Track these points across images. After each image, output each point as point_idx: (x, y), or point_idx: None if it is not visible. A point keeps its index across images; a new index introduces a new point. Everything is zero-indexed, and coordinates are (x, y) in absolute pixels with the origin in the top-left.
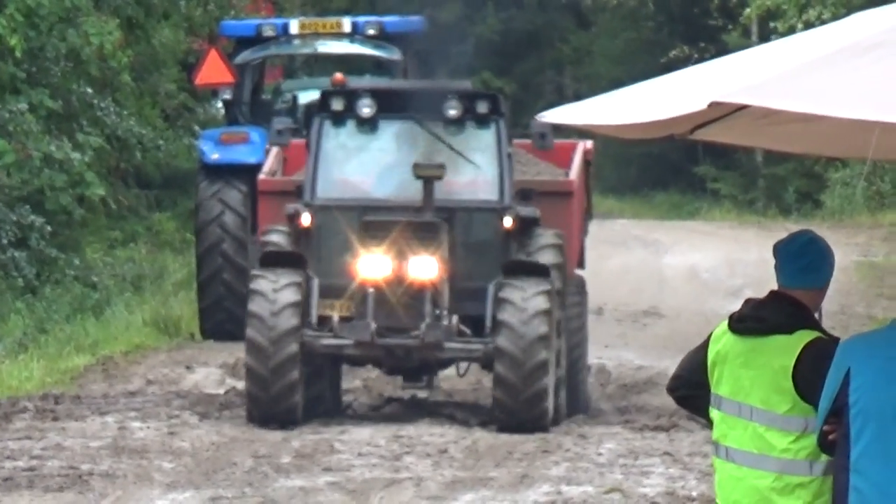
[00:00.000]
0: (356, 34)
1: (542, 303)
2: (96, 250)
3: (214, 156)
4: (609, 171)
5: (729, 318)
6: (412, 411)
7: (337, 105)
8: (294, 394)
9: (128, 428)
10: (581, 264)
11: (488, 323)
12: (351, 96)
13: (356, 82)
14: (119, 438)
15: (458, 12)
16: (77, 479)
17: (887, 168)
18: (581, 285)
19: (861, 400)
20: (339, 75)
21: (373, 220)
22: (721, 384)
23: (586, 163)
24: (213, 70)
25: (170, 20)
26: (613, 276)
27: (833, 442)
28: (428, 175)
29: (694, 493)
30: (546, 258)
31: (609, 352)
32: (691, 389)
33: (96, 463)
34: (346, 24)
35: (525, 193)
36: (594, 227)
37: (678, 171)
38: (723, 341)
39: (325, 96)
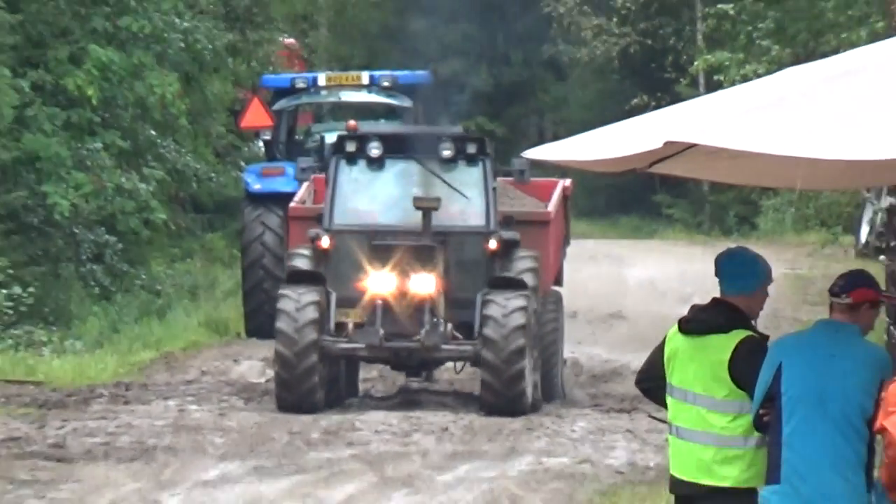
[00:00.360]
0: (373, 86)
1: (519, 317)
2: (159, 264)
3: (257, 186)
4: (582, 199)
5: (679, 320)
6: (419, 397)
7: (350, 147)
8: (315, 395)
9: (186, 410)
10: (559, 282)
11: (476, 327)
12: (362, 140)
13: (367, 128)
14: (179, 419)
15: (458, 68)
16: (144, 451)
17: (811, 196)
18: (558, 299)
19: (791, 388)
20: (352, 123)
21: (380, 244)
22: (673, 375)
23: (565, 197)
24: (256, 115)
25: (220, 74)
26: (585, 285)
27: (767, 423)
28: (426, 206)
29: (651, 464)
30: (525, 280)
31: (581, 348)
32: (653, 382)
33: (160, 439)
34: (365, 77)
35: (508, 220)
36: (571, 245)
37: (639, 198)
38: (674, 340)
39: (341, 140)
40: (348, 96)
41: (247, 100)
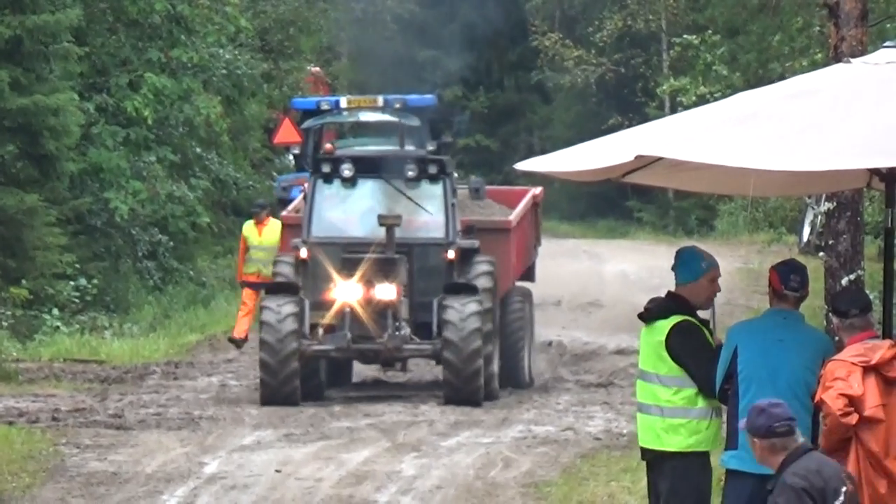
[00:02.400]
0: (387, 107)
1: (475, 321)
2: (205, 260)
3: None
4: (566, 204)
5: (639, 313)
6: (427, 379)
7: (326, 168)
8: (295, 396)
9: (227, 385)
10: (531, 278)
11: (435, 329)
12: (336, 161)
13: (341, 151)
14: (220, 392)
15: (459, 92)
16: (190, 421)
17: (761, 202)
18: (526, 294)
19: (746, 368)
20: (329, 146)
21: (349, 257)
22: (639, 359)
23: (534, 205)
24: (287, 133)
25: (256, 98)
26: (568, 278)
27: (728, 395)
28: (389, 223)
29: (624, 431)
30: (480, 283)
31: (565, 332)
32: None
33: (204, 410)
34: (380, 100)
35: (470, 228)
36: (555, 244)
37: (614, 204)
38: (641, 331)
39: (317, 161)
40: (366, 116)
41: (279, 119)
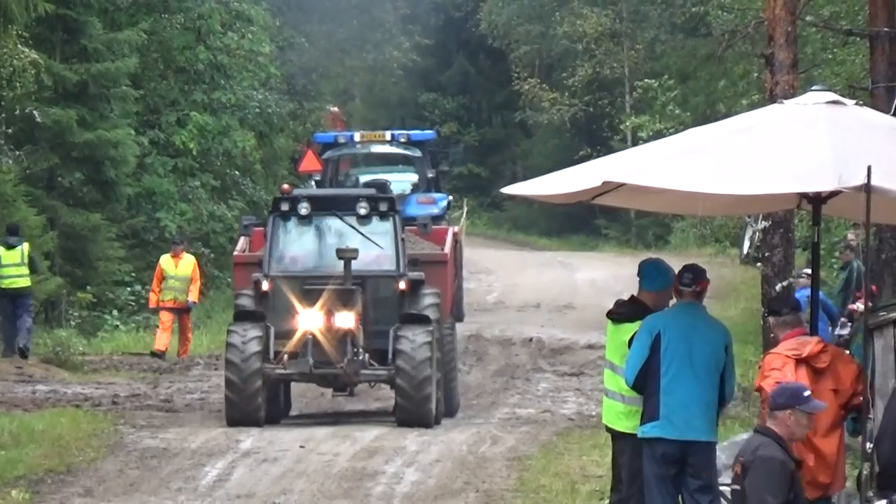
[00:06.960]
0: (393, 141)
1: (426, 350)
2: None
3: None
4: (544, 222)
5: (608, 312)
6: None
7: (284, 207)
8: (258, 413)
9: None
10: (457, 310)
11: (390, 357)
12: (294, 200)
13: (298, 192)
14: None
15: (454, 128)
16: None
17: (708, 220)
18: (452, 325)
19: (670, 347)
20: (286, 186)
21: (310, 288)
22: (606, 351)
23: (455, 241)
24: (310, 162)
25: (284, 132)
26: (546, 284)
27: (644, 384)
28: (347, 256)
29: (593, 413)
30: (430, 314)
31: (544, 330)
32: None
33: None
34: (387, 135)
35: (413, 262)
36: (535, 255)
37: (584, 222)
38: (608, 326)
39: (276, 201)
40: (376, 149)
41: (303, 151)
